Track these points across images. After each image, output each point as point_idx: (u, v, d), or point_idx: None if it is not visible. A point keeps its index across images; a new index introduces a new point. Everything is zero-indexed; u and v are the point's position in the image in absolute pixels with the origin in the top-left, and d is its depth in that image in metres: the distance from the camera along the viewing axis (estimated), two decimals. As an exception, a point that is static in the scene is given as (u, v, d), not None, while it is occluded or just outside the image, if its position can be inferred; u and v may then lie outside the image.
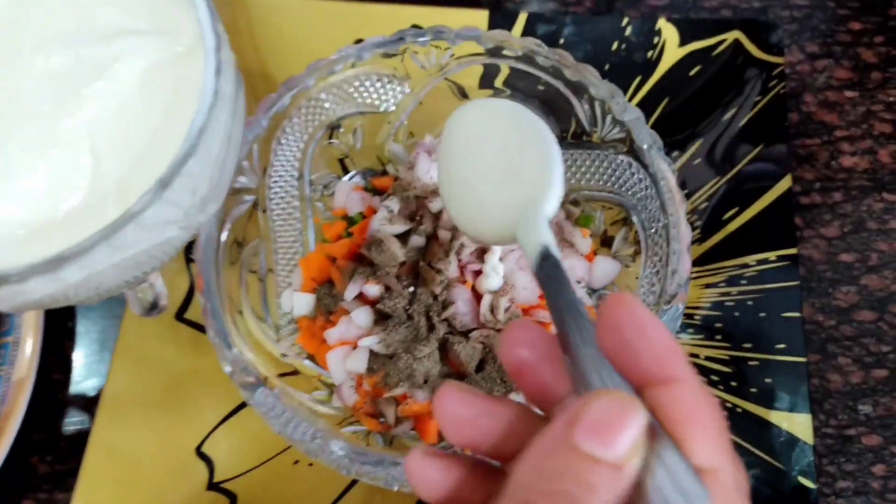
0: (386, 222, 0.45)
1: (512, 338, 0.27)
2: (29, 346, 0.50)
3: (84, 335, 0.54)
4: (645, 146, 0.44)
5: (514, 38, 0.47)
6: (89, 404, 0.52)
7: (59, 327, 0.54)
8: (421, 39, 0.47)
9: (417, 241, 0.45)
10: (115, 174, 0.29)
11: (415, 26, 0.61)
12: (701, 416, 0.23)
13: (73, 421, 0.52)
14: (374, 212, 0.48)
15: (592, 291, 0.48)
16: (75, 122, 0.30)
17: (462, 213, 0.34)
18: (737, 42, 0.60)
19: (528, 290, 0.43)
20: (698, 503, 0.22)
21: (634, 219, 0.47)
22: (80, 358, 0.53)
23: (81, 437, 0.51)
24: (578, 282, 0.47)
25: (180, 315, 0.53)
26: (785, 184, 0.55)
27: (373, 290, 0.44)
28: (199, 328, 0.53)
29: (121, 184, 0.29)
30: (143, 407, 0.51)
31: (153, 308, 0.50)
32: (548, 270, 0.27)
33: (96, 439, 0.50)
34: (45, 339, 0.51)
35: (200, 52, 0.31)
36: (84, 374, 0.53)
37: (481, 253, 0.44)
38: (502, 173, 0.32)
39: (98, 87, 0.31)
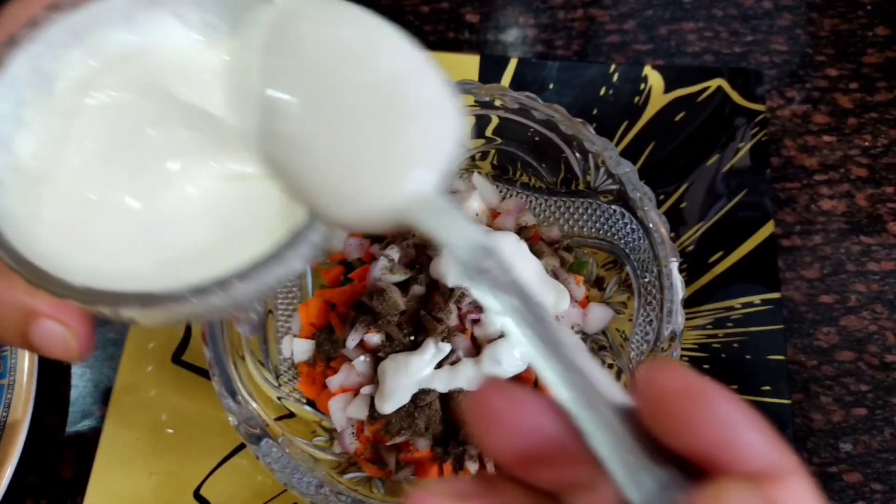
0: (387, 271, 0.46)
1: (482, 413, 0.20)
2: (24, 389, 0.50)
3: (80, 377, 0.54)
4: (637, 198, 0.46)
5: (509, 91, 0.49)
6: (85, 447, 0.52)
7: (55, 369, 0.54)
8: (419, 91, 0.49)
9: (418, 289, 0.46)
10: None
11: (408, 70, 0.63)
12: None
13: (68, 464, 0.52)
14: (372, 257, 0.49)
15: (586, 337, 0.49)
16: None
17: (309, 174, 0.24)
18: (720, 89, 0.62)
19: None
20: None
21: (626, 266, 0.48)
22: (76, 400, 0.54)
23: (77, 481, 0.51)
24: (573, 328, 0.48)
25: (177, 358, 0.54)
26: (768, 228, 0.57)
27: (374, 338, 0.45)
28: (196, 370, 0.53)
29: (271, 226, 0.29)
30: (141, 450, 0.51)
31: (257, 327, 0.50)
32: (499, 286, 0.21)
33: (95, 482, 0.50)
34: (41, 382, 0.51)
35: None
36: (80, 417, 0.53)
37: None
38: (371, 119, 0.24)
39: None
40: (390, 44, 0.26)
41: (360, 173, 0.24)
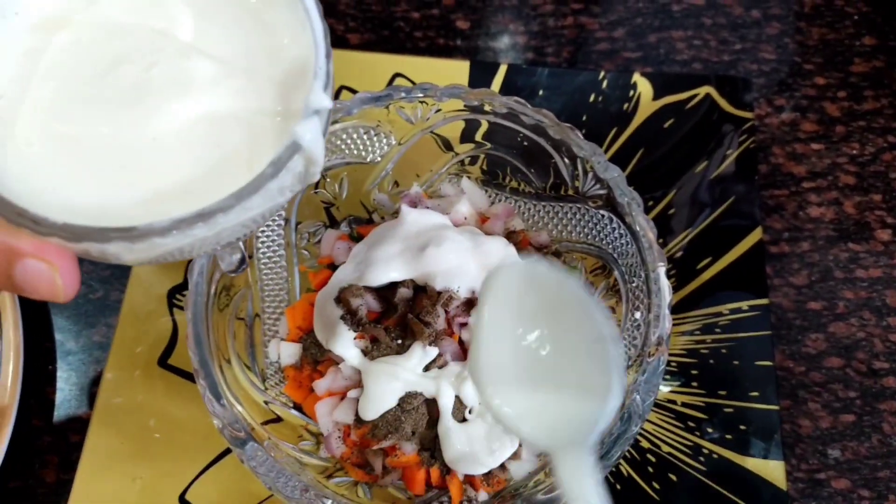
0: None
1: None
2: (8, 392, 0.50)
3: (65, 380, 0.54)
4: (625, 203, 0.46)
5: (498, 96, 0.49)
6: (70, 451, 0.52)
7: (40, 372, 0.54)
8: (409, 96, 0.49)
9: (405, 293, 0.46)
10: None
11: (398, 75, 0.63)
12: None
13: (52, 469, 0.51)
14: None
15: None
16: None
17: (505, 399, 0.31)
18: (708, 96, 0.62)
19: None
20: None
21: (615, 271, 0.48)
22: (61, 404, 0.53)
23: (61, 485, 0.50)
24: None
25: (163, 361, 0.53)
26: (756, 235, 0.57)
27: (361, 343, 0.45)
28: (182, 374, 0.53)
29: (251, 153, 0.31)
30: (126, 454, 0.51)
31: (241, 264, 0.49)
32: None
33: (79, 487, 0.50)
34: (25, 384, 0.51)
35: None
36: (65, 420, 0.53)
37: (468, 306, 0.45)
38: (555, 374, 0.30)
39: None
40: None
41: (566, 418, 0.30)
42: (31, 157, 0.30)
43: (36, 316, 0.55)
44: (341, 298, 0.46)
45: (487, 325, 0.32)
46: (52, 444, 0.52)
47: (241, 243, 0.46)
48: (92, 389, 0.53)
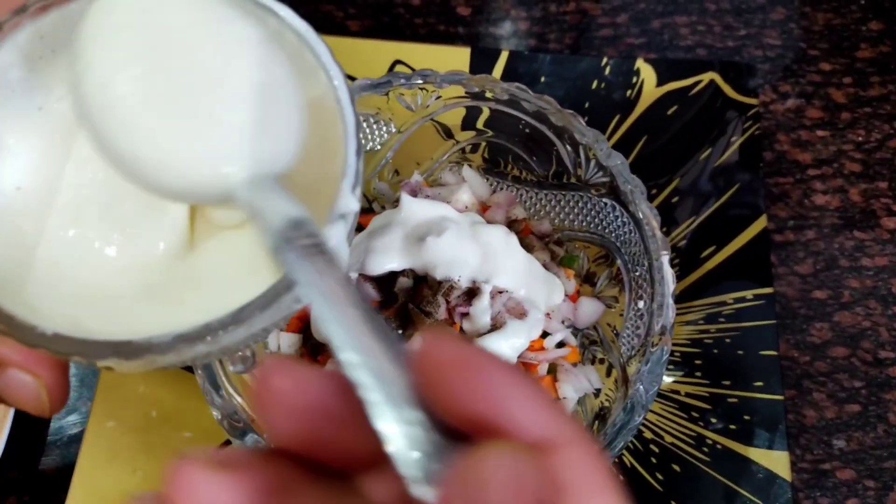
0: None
1: (265, 392, 0.19)
2: (7, 384, 0.49)
3: (64, 372, 0.54)
4: (629, 191, 0.45)
5: (499, 82, 0.48)
6: (70, 443, 0.51)
7: (39, 364, 0.53)
8: (408, 82, 0.48)
9: (405, 282, 0.45)
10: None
11: (398, 62, 0.62)
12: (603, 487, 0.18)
13: (52, 460, 0.51)
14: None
15: (577, 331, 0.48)
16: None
17: (134, 144, 0.25)
18: (712, 83, 0.61)
19: (518, 335, 0.44)
20: None
21: (617, 259, 0.48)
22: (60, 395, 0.53)
23: (61, 476, 0.50)
24: (563, 322, 0.47)
25: (163, 352, 0.53)
26: (761, 223, 0.56)
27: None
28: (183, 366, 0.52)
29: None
30: (126, 446, 0.50)
31: (249, 364, 0.48)
32: (305, 250, 0.21)
33: (79, 478, 0.49)
34: (25, 377, 0.50)
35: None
36: (64, 412, 0.52)
37: (470, 296, 0.44)
38: (204, 92, 0.25)
39: None
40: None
41: (196, 147, 0.25)
42: (42, 262, 0.27)
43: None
44: None
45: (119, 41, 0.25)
46: (51, 435, 0.52)
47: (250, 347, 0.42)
48: (92, 381, 0.53)
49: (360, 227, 0.51)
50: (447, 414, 0.18)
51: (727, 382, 0.52)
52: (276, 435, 0.19)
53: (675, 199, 0.57)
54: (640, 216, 0.44)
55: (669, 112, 0.60)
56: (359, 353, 0.19)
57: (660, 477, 0.49)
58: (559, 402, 0.17)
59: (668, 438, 0.50)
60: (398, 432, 0.18)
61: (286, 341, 0.48)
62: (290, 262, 0.21)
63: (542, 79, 0.62)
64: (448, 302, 0.44)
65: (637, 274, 0.45)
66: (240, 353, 0.42)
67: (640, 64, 0.62)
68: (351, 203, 0.26)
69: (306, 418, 0.19)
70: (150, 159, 0.25)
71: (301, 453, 0.19)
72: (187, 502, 0.18)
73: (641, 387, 0.40)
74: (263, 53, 0.26)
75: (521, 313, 0.45)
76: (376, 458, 0.18)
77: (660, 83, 0.61)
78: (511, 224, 0.50)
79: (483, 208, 0.51)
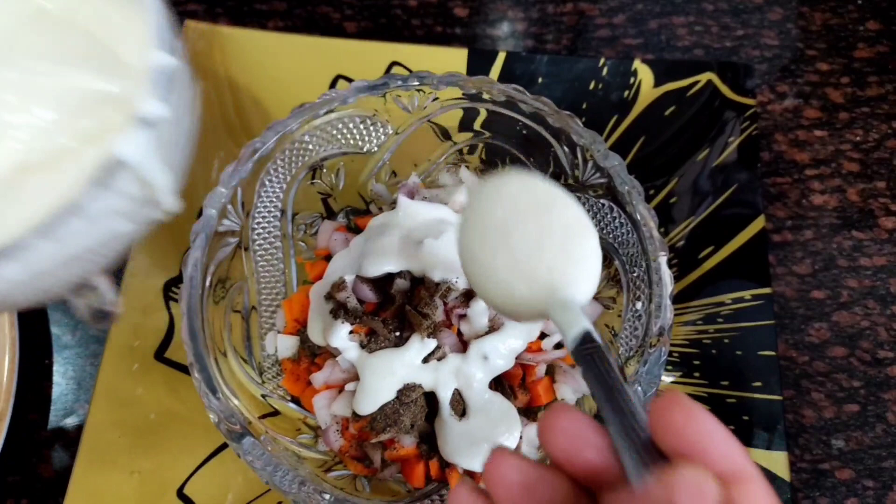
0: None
1: (552, 427, 0.26)
2: (4, 386, 0.49)
3: (62, 374, 0.53)
4: (626, 191, 0.45)
5: (497, 83, 0.48)
6: (67, 445, 0.51)
7: (36, 366, 0.53)
8: (405, 84, 0.48)
9: (402, 284, 0.45)
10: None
11: (395, 63, 0.62)
12: None
13: (49, 462, 0.51)
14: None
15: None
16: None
17: (490, 289, 0.33)
18: (710, 83, 0.61)
19: (516, 336, 0.43)
20: None
21: (615, 260, 0.48)
22: (58, 398, 0.53)
23: (59, 479, 0.50)
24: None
25: (160, 355, 0.53)
26: (759, 223, 0.56)
27: (357, 337, 0.44)
28: (180, 368, 0.52)
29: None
30: (123, 448, 0.50)
31: (102, 316, 0.43)
32: (588, 353, 0.28)
33: (76, 481, 0.49)
34: (21, 379, 0.50)
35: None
36: (62, 415, 0.52)
37: (467, 297, 0.44)
38: (533, 250, 0.32)
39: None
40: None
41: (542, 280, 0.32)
42: None
43: (31, 310, 0.55)
44: (330, 294, 0.46)
45: (474, 226, 0.34)
46: (49, 438, 0.52)
47: (102, 289, 0.38)
48: (89, 383, 0.53)
49: (358, 229, 0.51)
50: (660, 441, 0.25)
51: (726, 383, 0.51)
52: (556, 456, 0.26)
53: (672, 200, 0.57)
54: (638, 217, 0.44)
55: (667, 113, 0.60)
56: (615, 422, 0.26)
57: (658, 478, 0.49)
58: (746, 449, 0.26)
59: (667, 439, 0.50)
60: (632, 466, 0.25)
61: (283, 344, 0.48)
62: (581, 363, 0.28)
63: (540, 80, 0.62)
64: (446, 304, 0.44)
65: (635, 275, 0.45)
66: (92, 305, 0.39)
67: (637, 64, 0.62)
68: (155, 108, 0.24)
69: (580, 448, 0.26)
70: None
71: (568, 472, 0.26)
72: (502, 484, 0.26)
73: (640, 388, 0.40)
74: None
75: (518, 314, 0.45)
76: (617, 480, 0.25)
77: (657, 84, 0.61)
78: (509, 225, 0.49)
79: (480, 209, 0.51)
